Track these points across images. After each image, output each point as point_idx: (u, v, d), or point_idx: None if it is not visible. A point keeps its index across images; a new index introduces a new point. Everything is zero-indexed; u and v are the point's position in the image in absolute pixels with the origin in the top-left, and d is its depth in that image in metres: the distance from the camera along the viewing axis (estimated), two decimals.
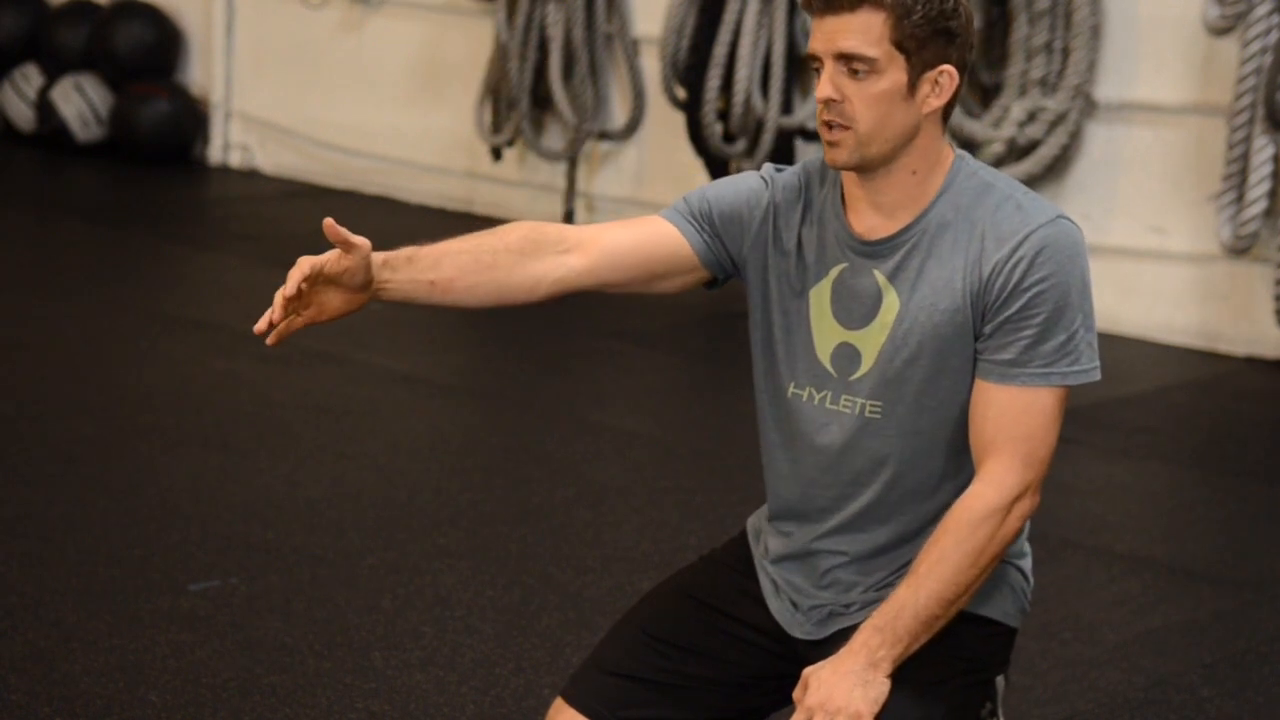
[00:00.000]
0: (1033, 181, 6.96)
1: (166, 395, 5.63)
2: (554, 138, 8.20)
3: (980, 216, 2.54)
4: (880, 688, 2.46)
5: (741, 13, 7.36)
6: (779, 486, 2.67)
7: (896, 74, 2.51)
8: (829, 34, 2.51)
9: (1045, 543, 4.69)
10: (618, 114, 8.13)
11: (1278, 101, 6.18)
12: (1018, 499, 2.53)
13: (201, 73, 9.63)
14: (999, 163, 6.85)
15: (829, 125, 2.52)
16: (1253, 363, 6.65)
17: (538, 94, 8.08)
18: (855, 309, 2.58)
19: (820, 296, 2.61)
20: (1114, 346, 6.80)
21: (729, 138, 7.45)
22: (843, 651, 2.48)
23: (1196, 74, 6.72)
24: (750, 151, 7.40)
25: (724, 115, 7.42)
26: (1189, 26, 6.64)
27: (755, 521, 2.77)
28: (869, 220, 2.58)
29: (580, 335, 6.64)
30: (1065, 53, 6.81)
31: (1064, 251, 2.51)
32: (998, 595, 2.64)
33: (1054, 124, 6.83)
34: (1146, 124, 6.87)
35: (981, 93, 7.06)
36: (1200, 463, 5.59)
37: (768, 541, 2.71)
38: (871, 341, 2.57)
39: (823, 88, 2.51)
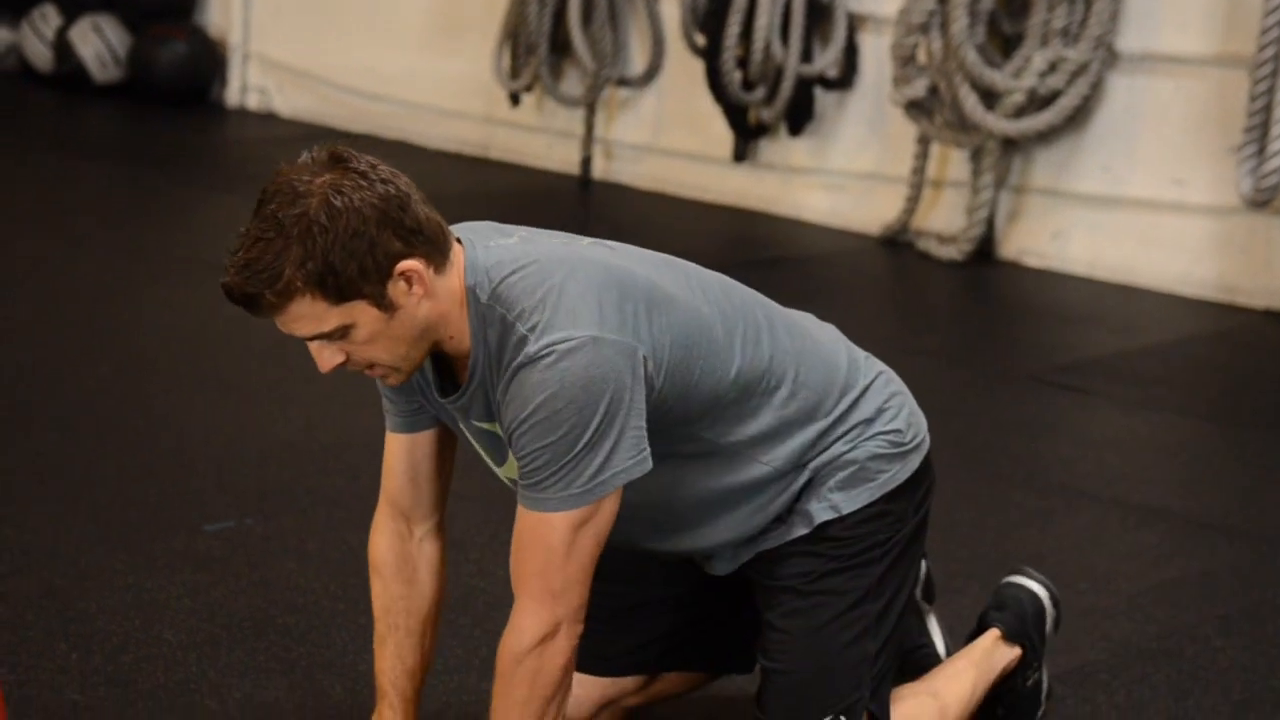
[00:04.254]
0: (1054, 132, 6.93)
1: (182, 338, 5.63)
2: (572, 84, 8.17)
3: (502, 351, 2.52)
4: None
5: None
6: None
7: (365, 314, 2.47)
8: (284, 325, 2.49)
9: (1061, 493, 4.68)
10: (637, 60, 8.09)
11: None
12: (545, 639, 2.50)
13: (220, 15, 9.60)
14: (1019, 113, 6.81)
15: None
16: (1271, 315, 6.63)
17: (556, 39, 8.04)
18: (489, 446, 2.66)
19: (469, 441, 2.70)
20: (1132, 299, 6.78)
21: (748, 85, 7.41)
22: None
23: (1219, 25, 6.67)
24: (769, 99, 7.37)
25: (743, 62, 7.38)
26: None
27: None
28: (448, 375, 2.66)
29: None
30: (1087, 3, 6.76)
31: (557, 378, 2.46)
32: (860, 484, 2.69)
33: (1075, 74, 6.79)
34: (1168, 75, 6.83)
35: (1003, 42, 7.01)
36: (1217, 415, 5.57)
37: None
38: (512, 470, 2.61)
39: (323, 364, 2.53)
